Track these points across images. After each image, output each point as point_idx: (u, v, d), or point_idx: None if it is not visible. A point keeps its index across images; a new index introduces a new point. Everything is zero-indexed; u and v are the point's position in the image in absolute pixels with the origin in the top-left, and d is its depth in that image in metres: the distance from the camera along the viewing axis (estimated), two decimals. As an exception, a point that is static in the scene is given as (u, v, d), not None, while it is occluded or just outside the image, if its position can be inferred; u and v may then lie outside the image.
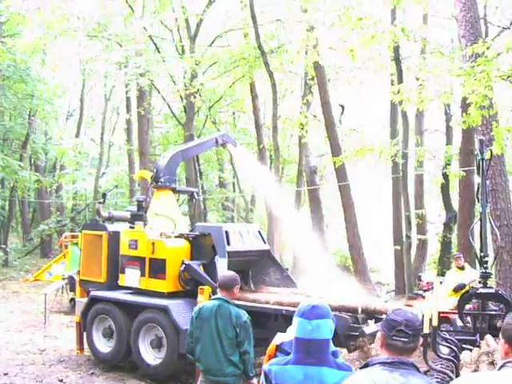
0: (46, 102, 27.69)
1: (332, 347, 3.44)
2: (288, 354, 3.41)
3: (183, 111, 23.75)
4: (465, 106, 10.66)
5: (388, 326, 2.88)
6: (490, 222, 7.15)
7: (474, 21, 10.69)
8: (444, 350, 7.23)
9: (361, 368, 2.98)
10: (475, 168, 6.91)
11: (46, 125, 32.49)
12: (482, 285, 5.88)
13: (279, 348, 3.64)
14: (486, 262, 6.06)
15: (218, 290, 5.77)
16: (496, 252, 9.56)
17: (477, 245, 7.07)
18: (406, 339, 2.80)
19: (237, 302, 5.89)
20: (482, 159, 6.25)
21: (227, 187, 30.15)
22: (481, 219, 6.38)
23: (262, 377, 3.41)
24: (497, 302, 5.55)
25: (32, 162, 32.29)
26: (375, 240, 24.30)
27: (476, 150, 6.48)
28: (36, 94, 26.51)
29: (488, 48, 8.53)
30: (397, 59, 14.00)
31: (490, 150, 6.60)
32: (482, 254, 6.19)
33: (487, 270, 5.97)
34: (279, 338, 3.71)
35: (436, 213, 23.73)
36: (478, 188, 6.45)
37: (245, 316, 5.59)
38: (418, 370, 2.84)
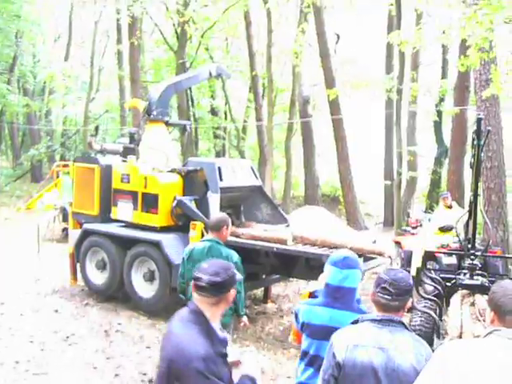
0: (33, 24, 26.91)
1: (357, 295, 3.69)
2: None
3: (175, 37, 23.19)
4: (463, 47, 10.47)
5: (375, 283, 3.04)
6: (482, 212, 7.05)
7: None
8: (429, 289, 7.42)
9: (351, 323, 3.10)
10: (470, 147, 6.64)
11: (34, 47, 31.69)
12: (468, 276, 5.92)
13: (312, 295, 4.01)
14: (473, 254, 6.08)
15: (208, 232, 5.86)
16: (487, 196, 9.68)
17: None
18: (388, 297, 2.93)
19: (229, 238, 5.99)
20: (479, 145, 5.95)
21: (219, 114, 29.85)
22: (470, 210, 6.27)
23: (293, 317, 3.75)
24: (483, 294, 5.59)
25: (20, 85, 31.71)
26: (365, 173, 24.39)
27: (473, 134, 6.07)
28: (23, 15, 25.72)
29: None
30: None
31: (488, 130, 6.34)
32: (470, 246, 6.20)
33: (474, 262, 5.98)
34: (312, 286, 4.20)
35: (427, 146, 23.75)
36: (472, 165, 6.14)
37: (235, 256, 5.68)
38: (406, 327, 2.97)
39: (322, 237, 8.36)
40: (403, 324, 2.96)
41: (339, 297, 3.49)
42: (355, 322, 3.11)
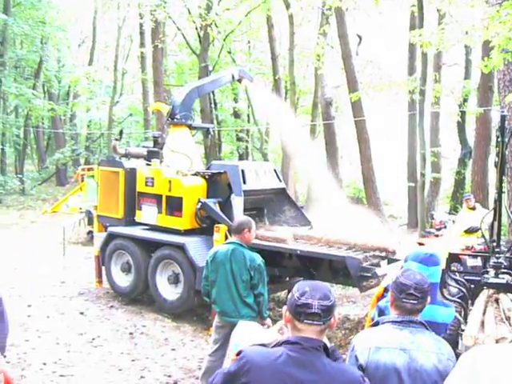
0: (58, 29, 27.30)
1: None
2: None
3: (198, 40, 23.32)
4: (487, 48, 10.36)
5: (398, 289, 3.03)
6: (506, 208, 6.97)
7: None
8: (453, 291, 7.35)
9: (372, 326, 3.12)
10: (494, 146, 6.55)
11: (59, 52, 32.14)
12: (493, 274, 5.86)
13: (386, 290, 4.05)
14: (499, 252, 6.00)
15: (231, 234, 5.94)
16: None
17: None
18: (414, 301, 2.97)
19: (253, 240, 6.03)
20: (503, 142, 5.87)
21: (241, 117, 29.91)
22: (495, 207, 6.20)
23: (376, 312, 3.80)
24: (507, 292, 5.51)
25: (45, 90, 32.17)
26: (389, 174, 24.27)
27: (497, 128, 5.98)
28: (48, 21, 26.10)
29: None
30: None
31: None
32: (495, 243, 6.13)
33: (499, 260, 5.92)
34: (386, 281, 4.22)
35: (451, 147, 23.55)
36: (496, 164, 6.07)
37: (258, 259, 5.74)
38: (426, 328, 2.99)
39: (326, 235, 8.44)
40: (423, 324, 3.01)
41: None
42: (375, 324, 3.13)
